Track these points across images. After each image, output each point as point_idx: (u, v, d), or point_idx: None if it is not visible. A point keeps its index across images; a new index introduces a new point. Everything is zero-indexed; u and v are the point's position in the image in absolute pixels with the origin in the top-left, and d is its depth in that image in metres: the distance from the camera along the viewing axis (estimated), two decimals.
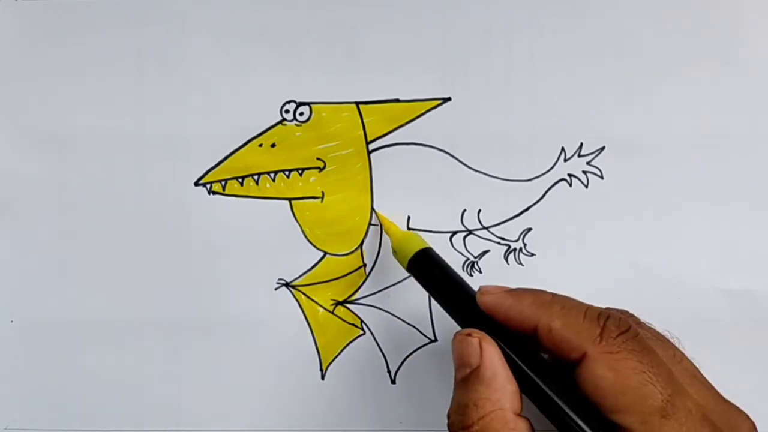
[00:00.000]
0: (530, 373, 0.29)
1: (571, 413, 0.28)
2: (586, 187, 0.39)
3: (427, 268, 0.35)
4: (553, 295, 0.31)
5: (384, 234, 0.39)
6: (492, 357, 0.29)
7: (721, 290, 0.39)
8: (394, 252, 0.37)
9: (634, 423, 0.27)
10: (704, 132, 0.39)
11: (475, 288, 0.33)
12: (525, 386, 0.29)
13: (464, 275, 0.39)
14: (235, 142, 0.39)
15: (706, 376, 0.31)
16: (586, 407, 0.28)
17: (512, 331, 0.30)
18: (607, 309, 0.31)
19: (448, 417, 0.30)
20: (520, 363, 0.30)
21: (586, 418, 0.28)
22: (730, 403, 0.30)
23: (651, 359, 0.28)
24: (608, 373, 0.28)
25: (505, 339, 0.30)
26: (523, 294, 0.31)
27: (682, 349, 0.31)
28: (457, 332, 0.31)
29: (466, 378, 0.29)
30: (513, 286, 0.39)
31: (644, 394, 0.27)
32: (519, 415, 0.29)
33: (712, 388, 0.30)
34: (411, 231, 0.38)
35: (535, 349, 0.30)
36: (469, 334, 0.30)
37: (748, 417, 0.29)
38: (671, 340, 0.31)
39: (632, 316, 0.32)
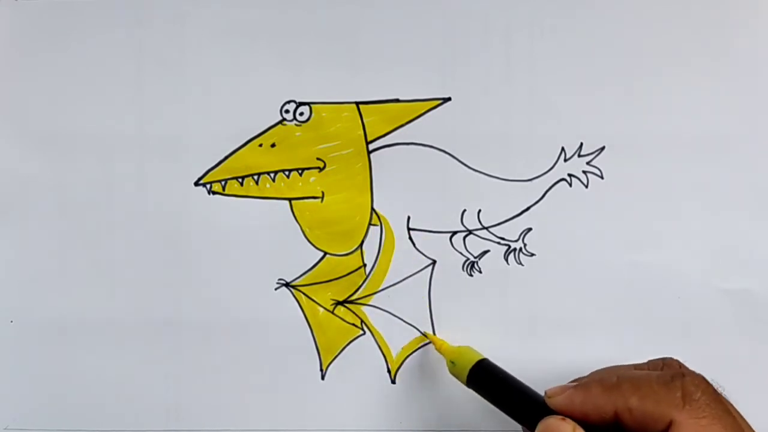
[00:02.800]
0: None
1: None
2: (586, 187, 0.39)
3: (487, 379, 0.35)
4: (617, 373, 0.31)
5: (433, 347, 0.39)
6: None
7: (721, 290, 0.39)
8: (450, 367, 0.37)
9: None
10: (704, 132, 0.39)
11: (537, 388, 0.33)
12: None
13: (464, 275, 0.39)
14: (235, 142, 0.39)
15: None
16: None
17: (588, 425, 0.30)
18: (664, 361, 0.32)
19: None
20: None
21: None
22: None
23: (732, 424, 0.28)
24: None
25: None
26: (590, 384, 0.31)
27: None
28: (547, 417, 0.31)
29: None
30: (513, 286, 0.39)
31: None
32: None
33: None
34: (464, 346, 0.37)
35: None
36: (563, 419, 0.30)
37: None
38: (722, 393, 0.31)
39: (679, 363, 0.33)
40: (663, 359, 0.33)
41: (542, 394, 0.32)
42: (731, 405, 0.31)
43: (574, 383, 0.32)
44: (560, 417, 0.30)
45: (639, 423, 0.29)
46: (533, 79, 0.39)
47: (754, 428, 0.31)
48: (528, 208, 0.39)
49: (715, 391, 0.30)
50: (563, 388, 0.32)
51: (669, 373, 0.30)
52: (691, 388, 0.29)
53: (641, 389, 0.29)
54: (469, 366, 0.35)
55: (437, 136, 0.39)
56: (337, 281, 0.40)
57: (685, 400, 0.29)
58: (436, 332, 0.39)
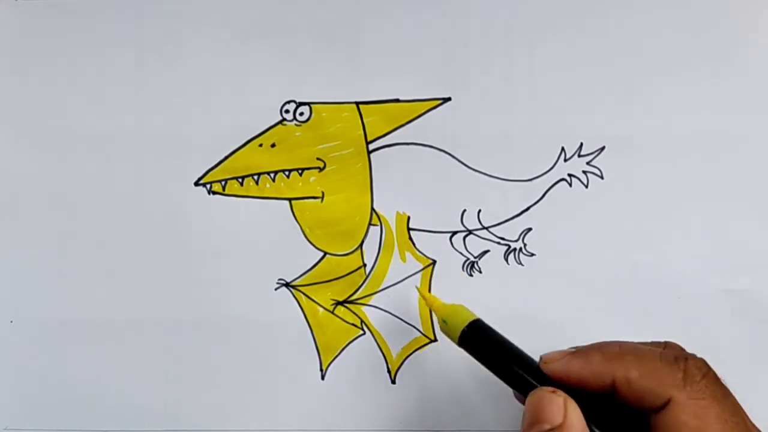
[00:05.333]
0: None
1: None
2: (586, 187, 0.39)
3: (481, 340, 0.34)
4: (620, 344, 0.30)
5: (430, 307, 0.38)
6: (577, 416, 0.28)
7: (721, 290, 0.39)
8: (443, 326, 0.35)
9: None
10: (704, 132, 0.39)
11: (530, 354, 0.32)
12: None
13: (464, 275, 0.39)
14: (235, 142, 0.39)
15: None
16: None
17: (582, 393, 0.30)
18: (666, 343, 0.31)
19: None
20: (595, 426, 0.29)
21: None
22: None
23: (731, 407, 0.28)
24: (693, 420, 0.28)
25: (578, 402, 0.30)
26: (590, 352, 0.30)
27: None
28: (536, 389, 0.30)
29: None
30: (513, 286, 0.39)
31: None
32: None
33: None
34: (458, 304, 0.36)
35: (605, 404, 0.30)
36: (554, 392, 0.29)
37: None
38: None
39: (681, 347, 0.32)
40: (665, 342, 0.32)
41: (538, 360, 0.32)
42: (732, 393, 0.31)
43: (573, 350, 0.31)
44: (551, 389, 0.30)
45: (636, 396, 0.29)
46: (533, 79, 0.39)
47: None
48: (528, 208, 0.39)
49: (716, 375, 0.29)
50: (561, 354, 0.31)
51: (673, 353, 0.30)
52: (693, 370, 0.29)
53: (644, 363, 0.29)
54: (462, 325, 0.34)
55: (437, 136, 0.39)
56: (337, 281, 0.40)
57: (686, 380, 0.28)
58: (437, 334, 0.39)
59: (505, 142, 0.39)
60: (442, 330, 0.35)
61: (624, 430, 0.29)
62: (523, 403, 0.31)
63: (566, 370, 0.30)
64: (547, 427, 0.28)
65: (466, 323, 0.34)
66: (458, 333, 0.34)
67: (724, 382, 0.30)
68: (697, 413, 0.28)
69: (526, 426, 0.29)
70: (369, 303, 0.40)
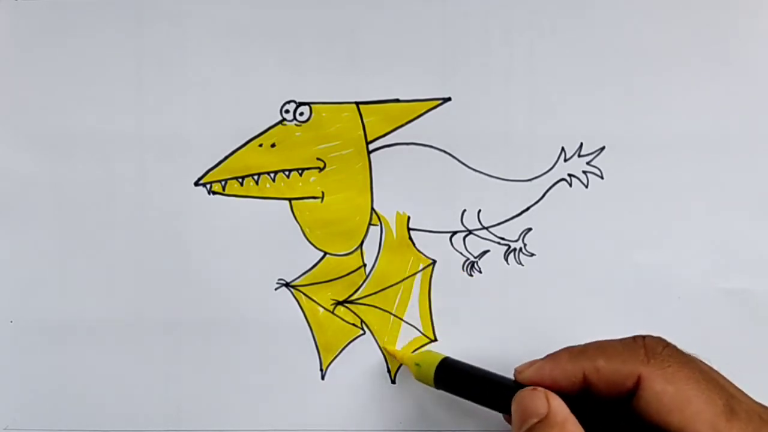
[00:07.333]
0: (591, 422, 0.30)
1: None
2: (586, 187, 0.39)
3: (454, 375, 0.35)
4: (585, 344, 0.32)
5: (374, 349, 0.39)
6: (560, 405, 0.30)
7: (721, 290, 0.39)
8: (416, 371, 0.37)
9: (705, 431, 0.28)
10: (704, 132, 0.39)
11: (526, 354, 0.33)
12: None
13: (464, 275, 0.39)
14: (235, 142, 0.39)
15: None
16: None
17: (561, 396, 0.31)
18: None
19: None
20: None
21: None
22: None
23: (698, 368, 0.29)
24: (668, 387, 0.29)
25: None
26: (557, 354, 0.32)
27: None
28: (518, 392, 0.31)
29: (533, 427, 0.30)
30: (513, 286, 0.39)
31: (705, 401, 0.28)
32: None
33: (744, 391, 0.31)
34: (425, 350, 0.39)
35: (584, 404, 0.31)
36: (534, 389, 0.31)
37: None
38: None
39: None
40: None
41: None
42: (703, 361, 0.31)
43: (542, 358, 0.33)
44: (531, 387, 0.31)
45: (608, 383, 0.30)
46: (533, 79, 0.39)
47: None
48: (528, 208, 0.39)
49: (676, 347, 0.31)
50: (531, 363, 0.32)
51: (631, 337, 0.31)
52: (652, 344, 0.30)
53: (606, 351, 0.31)
54: (434, 366, 0.36)
55: (437, 136, 0.39)
56: (337, 281, 0.40)
57: (648, 355, 0.30)
58: (436, 333, 0.39)
59: (505, 142, 0.39)
60: (417, 377, 0.37)
61: (605, 424, 0.30)
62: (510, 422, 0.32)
63: (539, 374, 0.32)
64: (535, 420, 0.30)
65: (437, 362, 0.36)
66: (432, 374, 0.36)
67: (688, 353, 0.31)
68: (669, 379, 0.29)
69: (516, 427, 0.31)
70: (369, 303, 0.40)
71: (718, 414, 0.28)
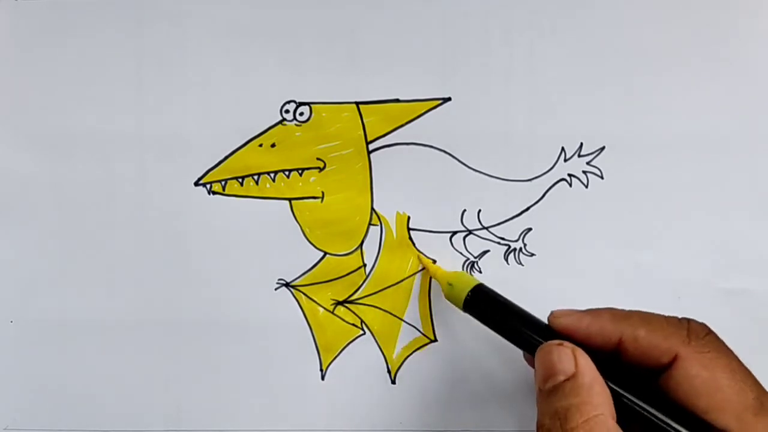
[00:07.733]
0: (617, 386, 0.29)
1: (667, 419, 0.28)
2: (586, 187, 0.39)
3: (486, 303, 0.35)
4: (628, 310, 0.32)
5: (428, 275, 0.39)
6: (588, 364, 0.29)
7: (721, 290, 0.39)
8: (448, 290, 0.36)
9: (730, 421, 0.28)
10: (704, 132, 0.39)
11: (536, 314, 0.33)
12: (617, 396, 0.29)
13: None
14: (235, 142, 0.39)
15: None
16: (680, 412, 0.29)
17: (588, 351, 0.30)
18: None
19: (540, 427, 0.29)
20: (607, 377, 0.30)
21: (683, 421, 0.28)
22: None
23: (736, 360, 0.29)
24: (703, 372, 0.29)
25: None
26: (600, 311, 0.32)
27: None
28: (543, 344, 0.31)
29: (560, 386, 0.29)
30: (513, 286, 0.39)
31: (737, 392, 0.28)
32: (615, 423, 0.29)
33: None
34: (460, 272, 0.38)
35: (611, 362, 0.30)
36: (561, 344, 0.30)
37: None
38: None
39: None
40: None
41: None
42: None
43: (582, 310, 0.32)
44: (558, 342, 0.30)
45: (643, 353, 0.30)
46: (533, 79, 0.39)
47: None
48: (528, 208, 0.39)
49: (718, 336, 0.30)
50: (571, 311, 0.32)
51: (677, 317, 0.31)
52: (697, 328, 0.30)
53: (651, 323, 0.31)
54: (468, 288, 0.35)
55: (437, 136, 0.39)
56: (337, 281, 0.40)
57: (691, 336, 0.30)
58: (436, 333, 0.39)
59: (505, 142, 0.39)
60: (447, 296, 0.36)
61: (630, 385, 0.30)
62: (532, 364, 0.31)
63: (575, 325, 0.31)
64: (562, 378, 0.29)
65: (472, 286, 0.35)
66: (464, 295, 0.35)
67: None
68: (706, 365, 0.29)
69: (540, 381, 0.30)
70: (369, 303, 0.40)
71: (747, 407, 0.28)
